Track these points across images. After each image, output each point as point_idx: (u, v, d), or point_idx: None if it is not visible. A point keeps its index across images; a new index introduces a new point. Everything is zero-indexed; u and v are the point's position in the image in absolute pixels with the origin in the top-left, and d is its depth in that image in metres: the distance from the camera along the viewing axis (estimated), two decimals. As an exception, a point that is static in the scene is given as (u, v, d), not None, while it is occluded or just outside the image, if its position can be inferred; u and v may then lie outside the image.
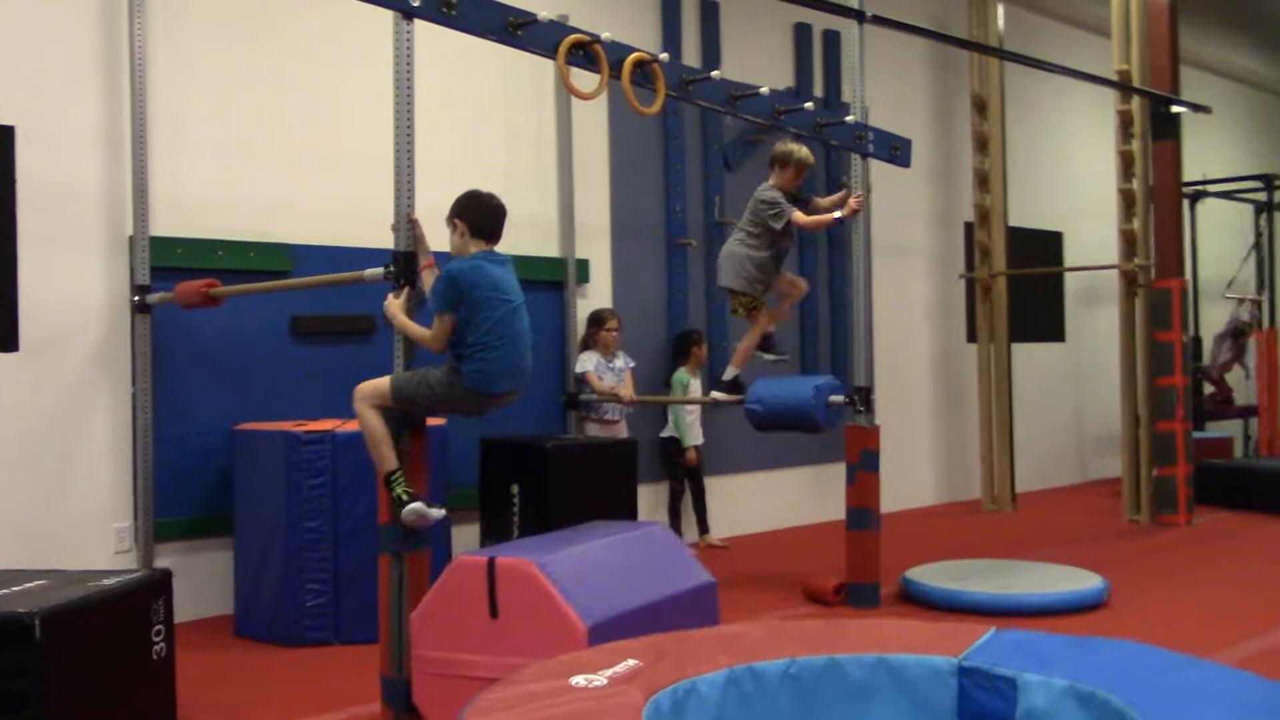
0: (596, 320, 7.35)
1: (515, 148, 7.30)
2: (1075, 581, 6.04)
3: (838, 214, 6.04)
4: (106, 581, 4.01)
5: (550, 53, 4.70)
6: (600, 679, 2.49)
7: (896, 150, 6.15)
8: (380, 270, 4.41)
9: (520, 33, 4.61)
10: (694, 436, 7.73)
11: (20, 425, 5.46)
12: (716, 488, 8.18)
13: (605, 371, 7.29)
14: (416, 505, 4.19)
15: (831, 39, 8.96)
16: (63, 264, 5.59)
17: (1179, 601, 6.08)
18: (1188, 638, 5.22)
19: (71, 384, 5.63)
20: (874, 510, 6.02)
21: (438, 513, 4.23)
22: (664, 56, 5.16)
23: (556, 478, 6.21)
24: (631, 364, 7.42)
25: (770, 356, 6.39)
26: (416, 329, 4.35)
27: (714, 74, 5.58)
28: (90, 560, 5.41)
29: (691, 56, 8.18)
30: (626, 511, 6.44)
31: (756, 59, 8.60)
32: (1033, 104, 10.74)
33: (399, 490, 4.22)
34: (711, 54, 8.28)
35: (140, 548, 5.71)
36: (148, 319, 5.71)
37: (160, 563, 5.78)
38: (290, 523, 5.38)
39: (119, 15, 5.73)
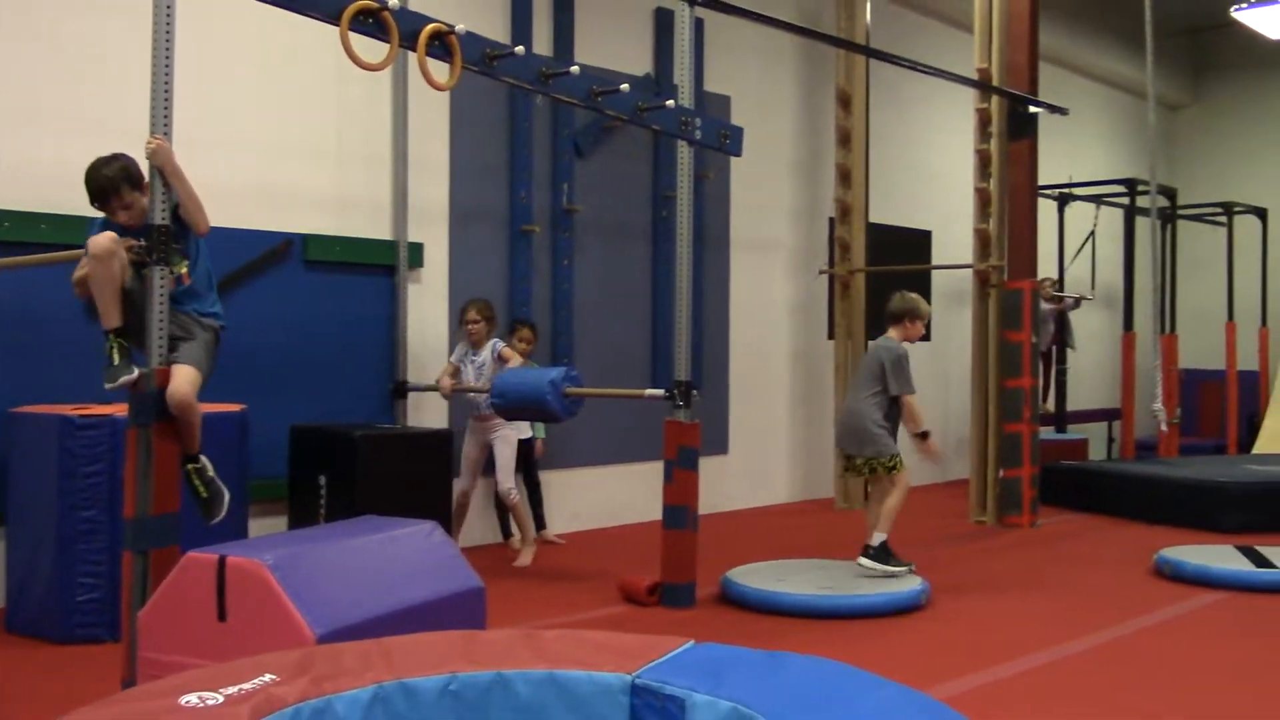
0: (461, 312, 7.06)
1: (348, 125, 6.99)
2: (895, 583, 5.96)
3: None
4: None
5: (334, 18, 4.41)
6: (217, 697, 2.24)
7: (726, 138, 5.96)
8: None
9: (298, -5, 4.33)
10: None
11: None
12: (557, 481, 7.96)
13: (466, 364, 7.00)
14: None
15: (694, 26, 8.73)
16: None
17: (999, 605, 6.01)
18: (994, 642, 5.19)
19: None
20: (691, 509, 5.85)
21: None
22: (461, 28, 4.84)
23: (365, 468, 5.97)
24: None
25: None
26: (191, 189, 4.21)
27: (573, 69, 5.30)
28: None
29: (543, 42, 7.92)
30: (440, 504, 6.20)
31: (613, 45, 8.37)
32: (901, 101, 10.61)
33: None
34: (564, 40, 8.03)
35: (-94, 536, 5.34)
36: (-82, 292, 5.34)
37: (-70, 552, 5.44)
38: (63, 511, 5.06)
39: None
